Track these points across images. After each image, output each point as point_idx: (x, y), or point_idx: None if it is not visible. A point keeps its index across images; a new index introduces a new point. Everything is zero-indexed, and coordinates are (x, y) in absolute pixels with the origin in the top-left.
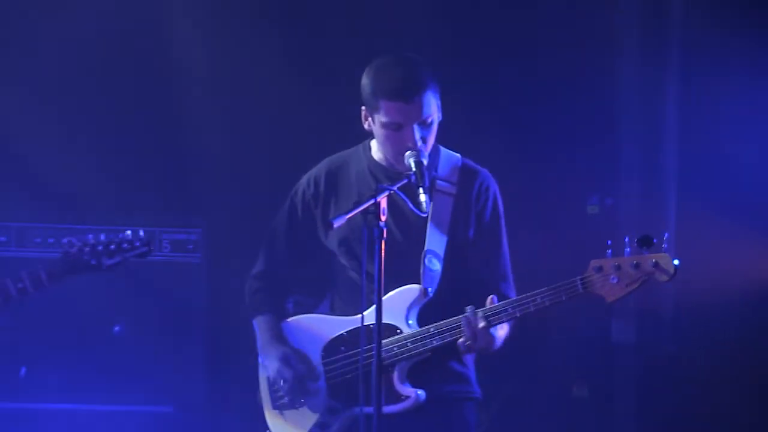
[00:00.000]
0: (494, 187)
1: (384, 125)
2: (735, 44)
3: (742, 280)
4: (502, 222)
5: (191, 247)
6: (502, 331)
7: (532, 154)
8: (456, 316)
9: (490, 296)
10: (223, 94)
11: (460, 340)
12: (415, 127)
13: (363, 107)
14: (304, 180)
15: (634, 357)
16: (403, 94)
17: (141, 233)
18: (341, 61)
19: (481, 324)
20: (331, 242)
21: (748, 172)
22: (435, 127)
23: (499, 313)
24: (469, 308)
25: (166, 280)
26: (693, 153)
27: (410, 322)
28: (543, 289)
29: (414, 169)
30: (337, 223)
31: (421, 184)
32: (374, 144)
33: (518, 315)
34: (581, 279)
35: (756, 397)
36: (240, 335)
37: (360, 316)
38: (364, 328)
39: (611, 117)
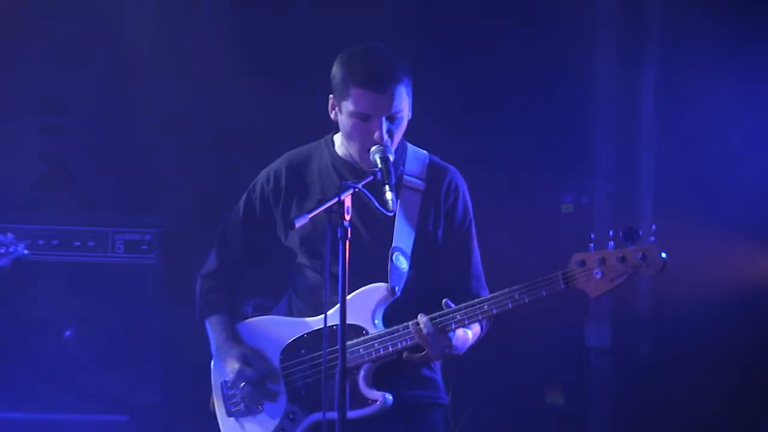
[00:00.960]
0: (463, 186)
1: (351, 114)
2: (713, 38)
3: (722, 282)
4: (472, 221)
5: (145, 247)
6: (470, 332)
7: (504, 151)
8: (446, 309)
9: (444, 300)
10: (178, 89)
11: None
12: (384, 120)
13: (330, 95)
14: (262, 175)
15: (610, 361)
16: (376, 83)
17: (9, 236)
18: (300, 57)
19: (432, 329)
20: (292, 241)
21: (727, 169)
22: (404, 124)
23: (448, 316)
24: (419, 315)
25: (119, 282)
26: (671, 150)
27: (376, 322)
28: (521, 285)
29: (380, 165)
30: (299, 223)
31: (387, 182)
32: (338, 138)
33: (494, 312)
34: (563, 274)
35: (734, 402)
36: (198, 340)
37: (322, 316)
38: (327, 329)
39: (586, 112)
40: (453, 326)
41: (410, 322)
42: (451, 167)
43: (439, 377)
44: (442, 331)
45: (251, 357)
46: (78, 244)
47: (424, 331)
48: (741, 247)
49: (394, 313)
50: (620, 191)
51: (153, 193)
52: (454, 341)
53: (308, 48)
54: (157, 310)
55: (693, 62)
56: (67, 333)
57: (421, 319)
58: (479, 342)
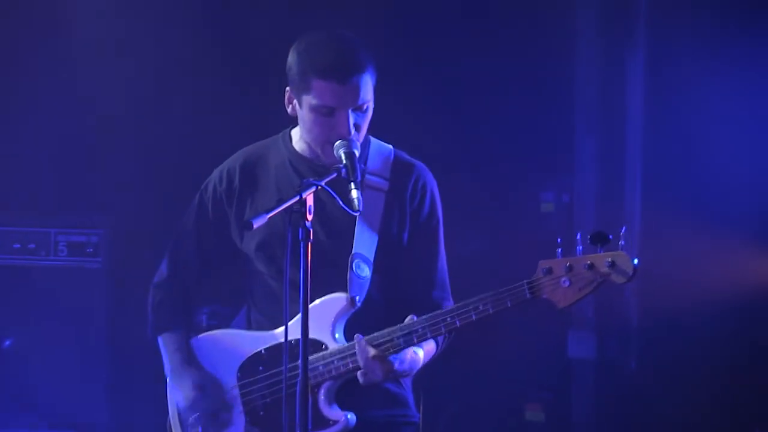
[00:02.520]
0: (431, 184)
1: (313, 108)
2: (706, 19)
3: (716, 286)
4: (440, 223)
5: (91, 250)
6: (420, 352)
7: (478, 145)
8: (390, 327)
9: (410, 316)
10: (127, 81)
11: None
12: (350, 112)
13: (287, 88)
14: (215, 174)
15: (594, 373)
16: (340, 74)
17: None
18: (256, 52)
19: (371, 353)
20: (248, 246)
21: (722, 163)
22: (370, 114)
23: (391, 340)
24: (356, 336)
25: (63, 288)
26: (659, 144)
27: (337, 336)
28: (485, 295)
29: (345, 161)
30: (257, 223)
31: (352, 179)
32: (295, 133)
33: (458, 325)
34: (528, 283)
35: (727, 417)
36: (146, 350)
37: (281, 330)
38: (287, 344)
39: (568, 103)
40: (402, 345)
41: (357, 340)
42: (419, 163)
43: (408, 393)
44: (381, 356)
45: (207, 384)
46: (17, 246)
47: (359, 356)
48: (736, 248)
49: (357, 325)
50: (605, 189)
51: (100, 191)
52: (397, 365)
53: (263, 42)
54: (104, 318)
55: (685, 45)
56: (6, 343)
57: (357, 341)
58: (440, 356)
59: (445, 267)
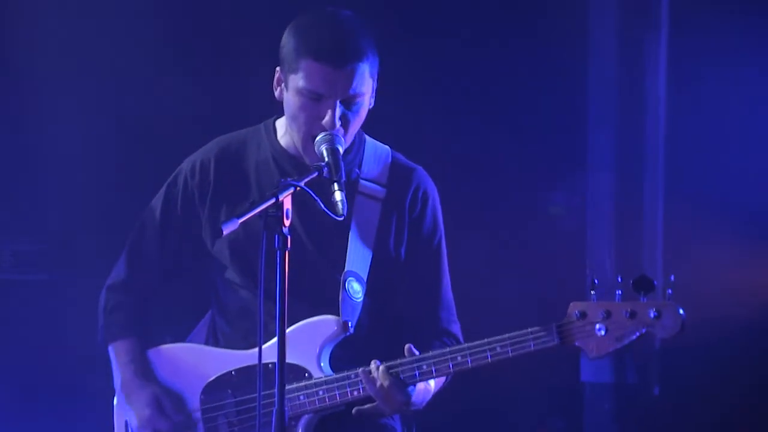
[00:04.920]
0: (433, 191)
1: (300, 91)
2: (731, 10)
3: (749, 300)
4: (443, 236)
5: (38, 261)
6: (432, 383)
7: (480, 142)
8: (379, 357)
9: (407, 345)
10: (77, 77)
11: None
12: (338, 103)
13: (277, 68)
14: (186, 165)
15: (610, 400)
16: (333, 56)
17: None
18: (222, 45)
19: (386, 382)
20: (220, 251)
21: (753, 165)
22: (363, 111)
23: (410, 365)
24: (374, 361)
25: (7, 303)
26: (682, 140)
27: (323, 364)
28: (505, 336)
29: (327, 158)
30: (227, 229)
31: (335, 179)
32: (281, 125)
33: (470, 365)
34: (558, 327)
35: None
36: (101, 369)
37: (254, 350)
38: (262, 367)
39: (580, 93)
40: (417, 377)
41: (361, 369)
42: (419, 168)
43: (398, 424)
44: (401, 385)
45: (165, 401)
46: None
47: (378, 383)
48: None
49: (345, 353)
50: (621, 190)
51: (48, 196)
52: (414, 396)
53: (230, 39)
54: (52, 335)
55: (710, 31)
56: None
57: (375, 367)
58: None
59: (449, 285)
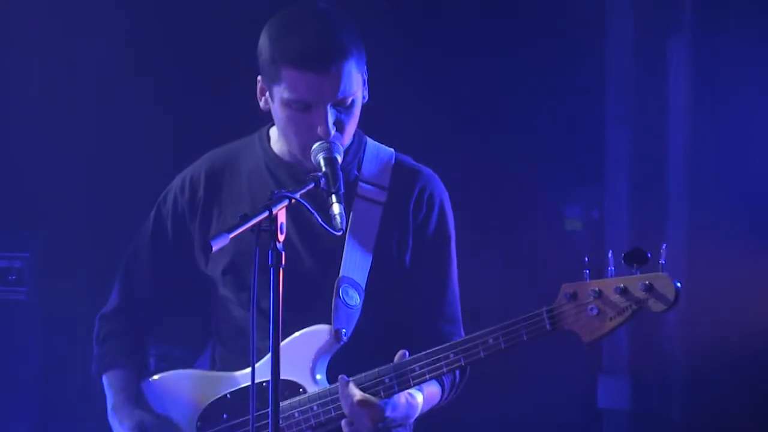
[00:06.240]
0: (441, 194)
1: (286, 103)
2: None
3: None
4: (451, 242)
5: (14, 278)
6: (419, 396)
7: (493, 149)
8: (383, 366)
9: (401, 351)
10: (61, 85)
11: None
12: (329, 108)
13: (258, 77)
14: (176, 182)
15: (629, 427)
16: (315, 62)
17: None
18: (214, 46)
19: (357, 397)
20: (213, 269)
21: None
22: (357, 109)
23: (381, 382)
24: (340, 377)
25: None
26: (707, 146)
27: (318, 377)
28: (496, 327)
29: (324, 168)
30: (216, 245)
31: (333, 190)
32: (274, 132)
33: (444, 370)
34: (549, 311)
35: None
36: (81, 393)
37: (248, 371)
38: (254, 387)
39: (595, 93)
40: (396, 388)
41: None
42: (426, 169)
43: None
44: (369, 402)
45: (150, 427)
46: None
47: (343, 401)
48: None
49: (343, 364)
50: (643, 202)
51: (27, 207)
52: (389, 412)
53: (221, 40)
54: (31, 357)
55: (738, 28)
56: None
57: (340, 383)
58: (448, 404)
59: (458, 296)
